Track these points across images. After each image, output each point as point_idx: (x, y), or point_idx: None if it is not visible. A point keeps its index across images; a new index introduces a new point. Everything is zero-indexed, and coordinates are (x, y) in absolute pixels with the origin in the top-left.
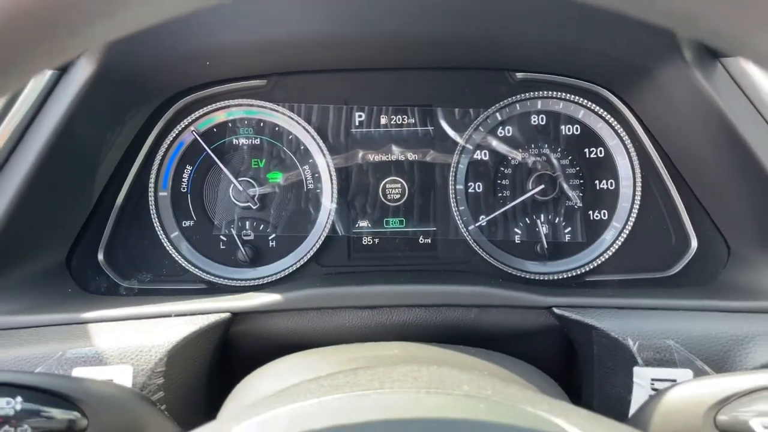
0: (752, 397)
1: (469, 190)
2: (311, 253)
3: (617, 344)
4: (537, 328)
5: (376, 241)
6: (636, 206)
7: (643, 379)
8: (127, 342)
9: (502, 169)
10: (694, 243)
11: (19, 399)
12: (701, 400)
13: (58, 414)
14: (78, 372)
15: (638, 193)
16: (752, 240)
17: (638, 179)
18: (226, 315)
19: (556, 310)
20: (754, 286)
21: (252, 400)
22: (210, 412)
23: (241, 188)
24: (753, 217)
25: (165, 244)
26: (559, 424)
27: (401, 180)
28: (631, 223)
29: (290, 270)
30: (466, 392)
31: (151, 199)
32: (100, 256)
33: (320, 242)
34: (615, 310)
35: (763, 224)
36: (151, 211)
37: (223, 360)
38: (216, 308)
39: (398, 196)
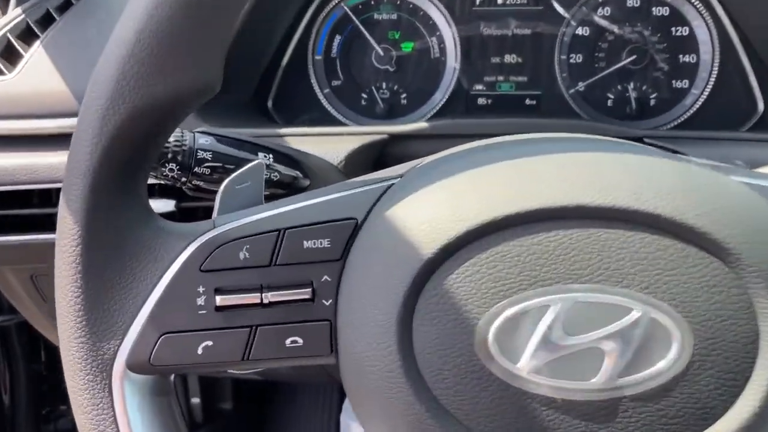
0: None
1: (571, 60)
2: (438, 107)
3: None
4: None
5: (490, 101)
6: (713, 76)
7: None
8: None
9: (600, 43)
10: (761, 106)
11: (271, 156)
12: None
13: (292, 172)
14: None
15: (716, 65)
16: None
17: (717, 54)
18: (384, 136)
19: (647, 140)
20: None
21: None
22: None
23: (382, 53)
24: None
25: (320, 98)
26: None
27: (515, 49)
28: (708, 90)
29: (421, 120)
30: None
31: (310, 61)
32: (270, 104)
33: (446, 97)
34: (703, 140)
35: None
36: (309, 71)
37: None
38: (375, 131)
39: (511, 63)
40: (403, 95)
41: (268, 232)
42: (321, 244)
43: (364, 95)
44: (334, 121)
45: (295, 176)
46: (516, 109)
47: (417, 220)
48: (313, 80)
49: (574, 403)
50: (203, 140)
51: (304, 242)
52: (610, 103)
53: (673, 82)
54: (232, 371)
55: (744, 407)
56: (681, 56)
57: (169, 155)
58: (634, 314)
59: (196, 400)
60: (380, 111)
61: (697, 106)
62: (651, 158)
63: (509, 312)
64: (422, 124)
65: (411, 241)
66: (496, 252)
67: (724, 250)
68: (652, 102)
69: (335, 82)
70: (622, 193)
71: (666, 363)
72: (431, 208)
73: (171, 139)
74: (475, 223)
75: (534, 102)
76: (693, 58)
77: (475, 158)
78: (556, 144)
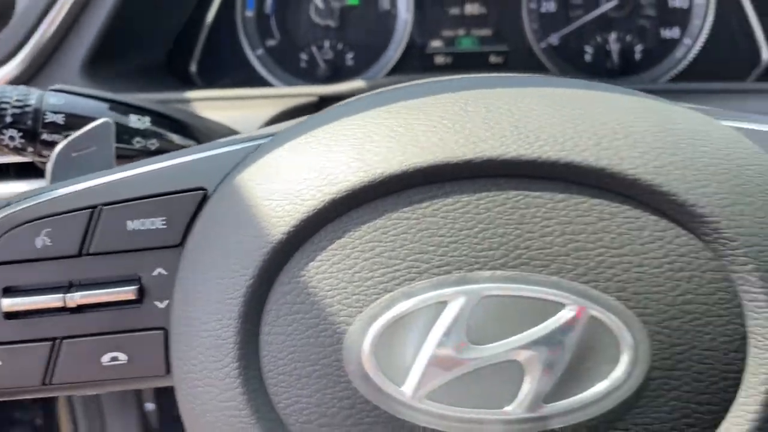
0: None
1: (542, 9)
2: (389, 66)
3: None
4: None
5: (449, 60)
6: (708, 22)
7: None
8: (221, 117)
9: None
10: (765, 54)
11: (148, 119)
12: None
13: (177, 139)
14: None
15: (711, 10)
16: None
17: None
18: (313, 99)
19: None
20: None
21: None
22: None
23: (322, 6)
24: None
25: (251, 61)
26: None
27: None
28: (703, 40)
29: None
30: None
31: (239, 18)
32: (193, 68)
33: (398, 55)
34: (700, 93)
35: None
36: (239, 30)
37: None
38: (304, 92)
39: (473, 14)
40: (350, 55)
41: (77, 210)
42: (153, 224)
43: (304, 56)
44: (266, 86)
45: (183, 145)
46: (480, 68)
47: (269, 190)
48: (243, 40)
49: None
50: (54, 100)
51: (129, 223)
52: (588, 57)
53: (662, 31)
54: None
55: None
56: (671, 0)
57: (8, 118)
58: (566, 313)
59: (150, 406)
60: (322, 73)
61: (689, 58)
62: (591, 93)
63: (391, 313)
64: (358, 83)
65: (259, 218)
66: (372, 228)
67: (697, 218)
68: (638, 55)
69: (270, 42)
70: (549, 141)
71: (611, 382)
72: (289, 173)
73: (11, 96)
74: (342, 188)
75: (501, 59)
76: (685, 2)
77: (359, 109)
78: (455, 88)
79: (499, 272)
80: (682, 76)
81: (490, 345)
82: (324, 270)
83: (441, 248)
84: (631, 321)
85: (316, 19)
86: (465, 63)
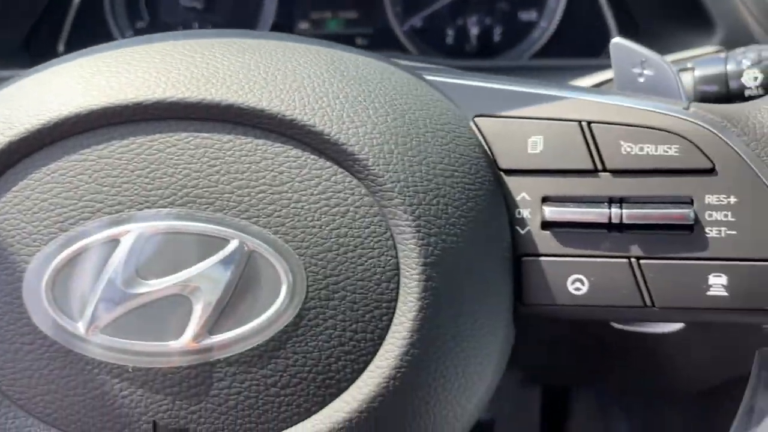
0: None
1: None
2: None
3: None
4: None
5: None
6: (561, 5)
7: None
8: None
9: None
10: (614, 34)
11: None
12: None
13: None
14: None
15: None
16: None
17: None
18: None
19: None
20: None
21: None
22: None
23: None
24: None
25: None
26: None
27: None
28: (557, 21)
29: None
30: None
31: None
32: (60, 48)
33: None
34: (553, 70)
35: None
36: (106, 11)
37: None
38: None
39: None
40: None
41: None
42: None
43: None
44: None
45: None
46: None
47: None
48: (111, 22)
49: (152, 372)
50: None
51: None
52: (449, 40)
53: (520, 13)
54: None
55: (378, 370)
56: None
57: None
58: (230, 247)
59: None
60: None
61: (544, 39)
62: (283, 44)
63: (67, 251)
64: None
65: None
66: (52, 170)
67: (350, 156)
68: (497, 38)
69: (139, 24)
70: (216, 84)
71: (272, 313)
72: None
73: None
74: (20, 132)
75: (366, 41)
76: None
77: (64, 60)
78: (164, 38)
79: (166, 210)
80: (538, 56)
81: (158, 280)
82: (6, 211)
83: (114, 188)
84: (288, 255)
85: (184, 1)
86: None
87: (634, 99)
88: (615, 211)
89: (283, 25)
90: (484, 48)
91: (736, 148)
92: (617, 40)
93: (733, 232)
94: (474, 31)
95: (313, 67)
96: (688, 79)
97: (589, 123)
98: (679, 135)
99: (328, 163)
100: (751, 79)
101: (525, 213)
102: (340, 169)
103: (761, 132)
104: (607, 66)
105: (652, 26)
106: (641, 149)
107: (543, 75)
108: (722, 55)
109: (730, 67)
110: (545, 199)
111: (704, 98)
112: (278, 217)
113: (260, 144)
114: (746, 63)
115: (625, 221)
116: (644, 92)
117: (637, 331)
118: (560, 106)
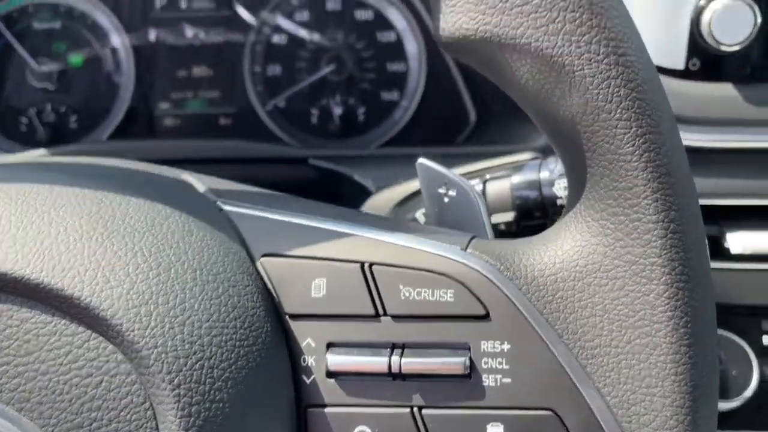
0: None
1: (268, 73)
2: (113, 129)
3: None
4: (298, 184)
5: (179, 122)
6: (421, 86)
7: None
8: None
9: (301, 52)
10: (473, 116)
11: None
12: None
13: None
14: None
15: (423, 73)
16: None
17: (424, 61)
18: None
19: (312, 161)
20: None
21: None
22: None
23: (36, 68)
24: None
25: None
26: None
27: (204, 60)
28: (417, 102)
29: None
30: None
31: None
32: None
33: (121, 117)
34: (372, 158)
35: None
36: None
37: None
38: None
39: (200, 76)
40: (73, 118)
41: None
42: None
43: (24, 119)
44: None
45: None
46: (210, 130)
47: None
48: None
49: None
50: None
51: None
52: (314, 120)
53: (382, 94)
54: None
55: None
56: (389, 65)
57: None
58: None
59: None
60: (42, 137)
61: (406, 119)
62: (20, 188)
63: None
64: (41, 151)
65: None
66: None
67: (103, 321)
68: (360, 117)
69: None
70: None
71: None
72: None
73: None
74: None
75: (229, 121)
76: (402, 66)
77: None
78: None
79: None
80: (400, 137)
81: None
82: None
83: None
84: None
85: (33, 83)
86: (195, 125)
87: (417, 237)
88: (395, 359)
89: (141, 108)
90: (348, 127)
91: (507, 293)
92: (422, 161)
93: (508, 380)
94: (337, 111)
95: (73, 217)
96: (505, 185)
97: (371, 265)
98: (454, 279)
99: (81, 329)
100: (561, 188)
101: (310, 360)
102: (94, 335)
103: (531, 275)
104: (463, 154)
105: (506, 114)
106: (419, 294)
107: (397, 163)
108: (537, 161)
109: (543, 175)
110: (330, 345)
111: (523, 204)
112: (23, 392)
113: (4, 310)
114: (558, 171)
115: (403, 371)
116: (450, 212)
117: None
118: (343, 244)
